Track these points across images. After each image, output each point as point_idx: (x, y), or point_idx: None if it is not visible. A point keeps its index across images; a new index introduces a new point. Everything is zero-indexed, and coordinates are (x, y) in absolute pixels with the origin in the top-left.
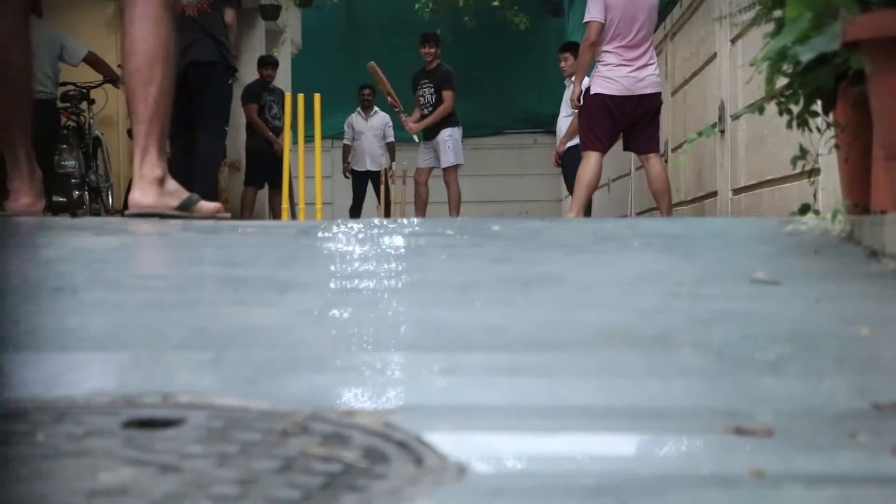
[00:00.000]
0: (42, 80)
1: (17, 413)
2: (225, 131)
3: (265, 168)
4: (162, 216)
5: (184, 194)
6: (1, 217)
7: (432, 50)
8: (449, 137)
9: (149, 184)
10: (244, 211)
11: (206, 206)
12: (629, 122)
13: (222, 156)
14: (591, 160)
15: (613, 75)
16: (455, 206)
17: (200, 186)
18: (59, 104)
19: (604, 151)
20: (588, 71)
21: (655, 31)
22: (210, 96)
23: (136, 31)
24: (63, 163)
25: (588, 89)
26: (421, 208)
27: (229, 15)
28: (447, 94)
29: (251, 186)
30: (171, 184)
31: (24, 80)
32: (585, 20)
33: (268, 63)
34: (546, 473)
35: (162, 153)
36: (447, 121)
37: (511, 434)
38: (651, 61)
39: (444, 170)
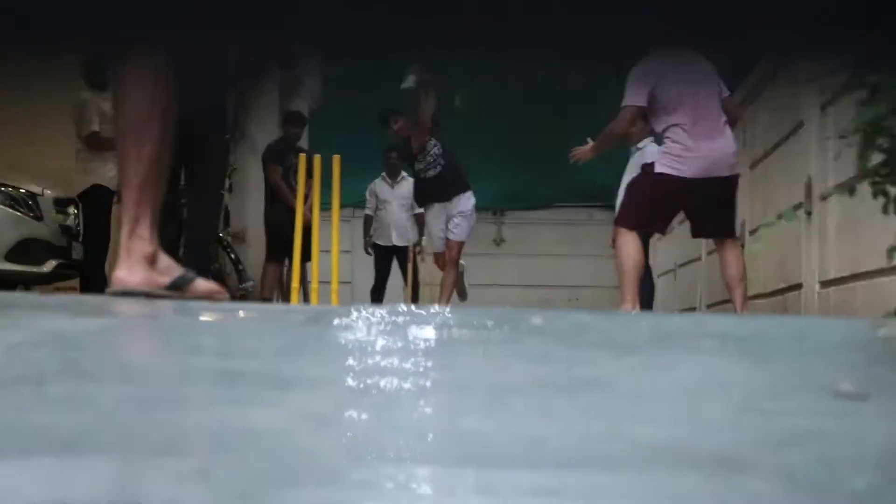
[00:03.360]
0: None
1: None
2: (221, 195)
3: (289, 240)
4: (149, 295)
5: (176, 272)
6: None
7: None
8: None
9: (137, 260)
10: (264, 291)
11: (202, 285)
12: (698, 206)
13: (217, 225)
14: (629, 238)
15: (684, 154)
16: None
17: (192, 262)
18: None
19: (642, 232)
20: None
21: (732, 94)
22: (206, 153)
23: (129, 84)
24: None
25: (652, 164)
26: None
27: None
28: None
29: (273, 262)
30: (164, 260)
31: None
32: (622, 104)
33: (295, 119)
34: None
35: (154, 225)
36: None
37: None
38: (726, 134)
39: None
